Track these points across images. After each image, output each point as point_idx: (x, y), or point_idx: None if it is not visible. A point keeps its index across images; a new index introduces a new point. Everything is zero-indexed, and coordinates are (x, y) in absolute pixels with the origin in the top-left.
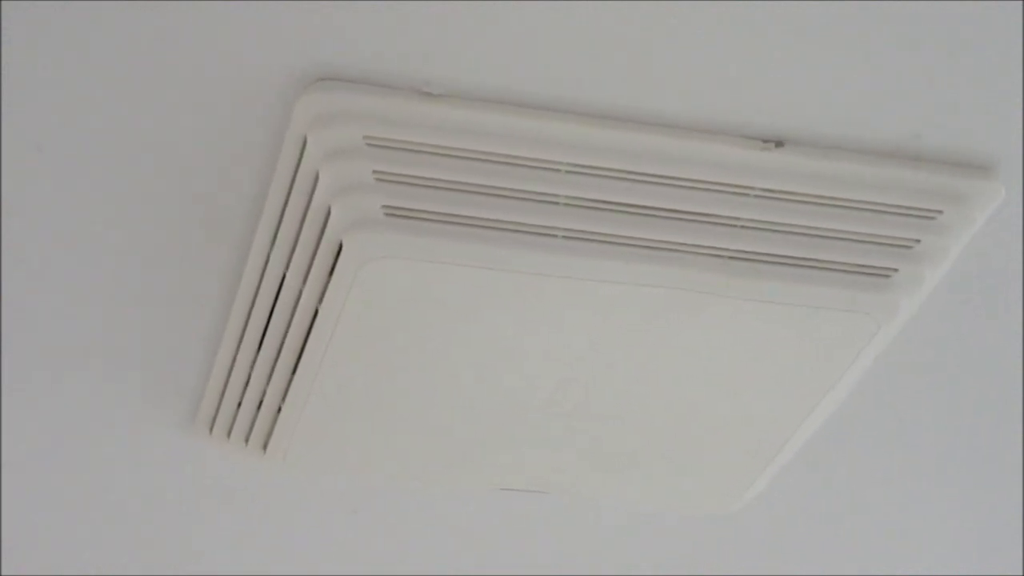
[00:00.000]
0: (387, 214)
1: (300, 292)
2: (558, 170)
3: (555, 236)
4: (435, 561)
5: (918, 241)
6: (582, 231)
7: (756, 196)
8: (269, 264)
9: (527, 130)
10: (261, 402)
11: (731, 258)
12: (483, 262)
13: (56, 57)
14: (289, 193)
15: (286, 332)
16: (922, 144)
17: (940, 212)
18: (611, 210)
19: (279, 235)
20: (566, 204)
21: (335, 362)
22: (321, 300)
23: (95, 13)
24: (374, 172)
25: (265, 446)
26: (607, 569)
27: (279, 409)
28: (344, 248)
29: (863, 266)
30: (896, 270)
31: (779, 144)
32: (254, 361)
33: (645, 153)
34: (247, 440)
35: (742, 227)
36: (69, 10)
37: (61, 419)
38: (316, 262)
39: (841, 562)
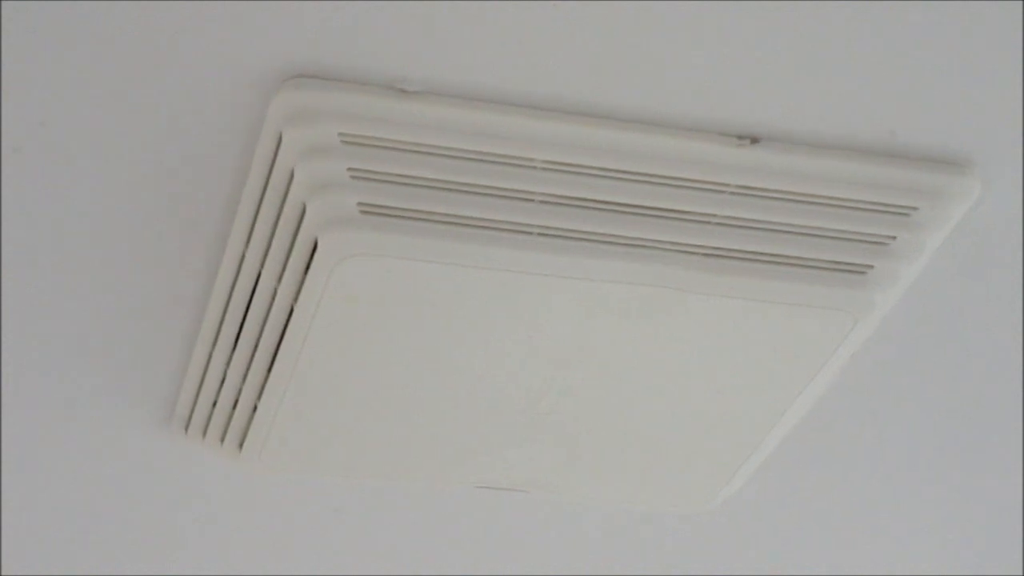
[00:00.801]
0: (362, 212)
1: (275, 290)
2: (533, 167)
3: (530, 233)
4: (414, 560)
5: (894, 238)
6: (557, 228)
7: (732, 193)
8: (244, 262)
9: (502, 127)
10: (237, 401)
11: (706, 255)
12: (459, 259)
13: (29, 56)
14: (264, 190)
15: (261, 330)
16: (898, 140)
17: (916, 209)
18: (586, 207)
19: (254, 233)
20: (541, 201)
21: (311, 360)
22: (296, 298)
23: (68, 12)
24: (349, 169)
25: (241, 445)
26: (588, 568)
27: (255, 408)
28: (319, 246)
29: (839, 262)
30: (872, 266)
31: (755, 141)
32: (229, 360)
33: (620, 150)
34: (223, 439)
35: (718, 224)
36: (40, 9)
37: (35, 418)
38: (291, 260)
39: (818, 560)
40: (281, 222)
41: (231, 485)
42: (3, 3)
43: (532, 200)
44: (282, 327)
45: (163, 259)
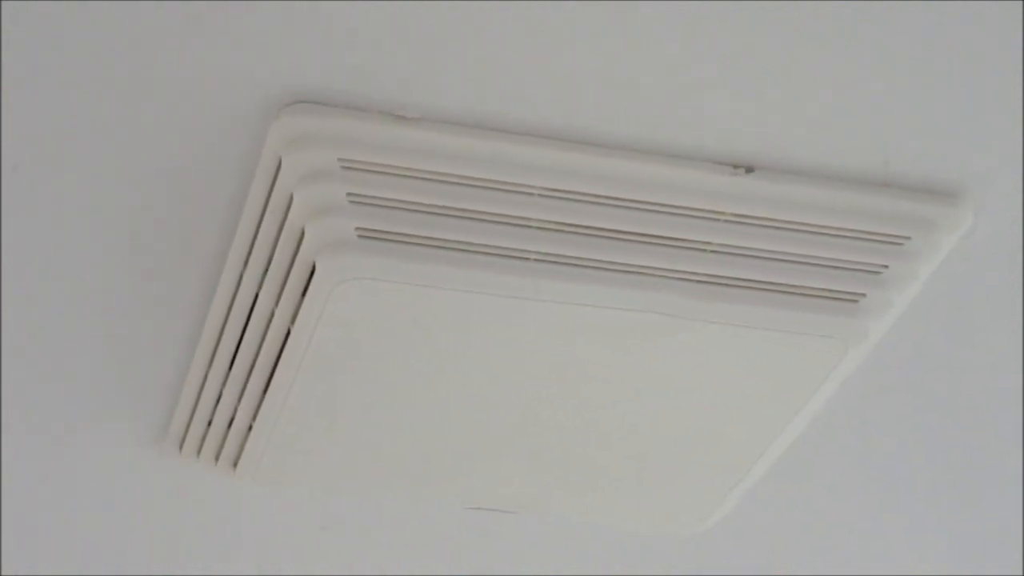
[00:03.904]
0: (360, 236)
1: (272, 312)
2: (531, 194)
3: (528, 259)
4: None
5: (886, 266)
6: (554, 255)
7: (726, 221)
8: (242, 284)
9: (500, 154)
10: (232, 421)
11: (701, 282)
12: (456, 285)
13: (33, 76)
14: (263, 214)
15: (258, 351)
16: (891, 170)
17: (908, 238)
18: (583, 234)
19: (252, 255)
20: (539, 228)
21: (306, 382)
22: (293, 320)
23: (70, 36)
24: (348, 194)
25: (235, 464)
26: None
27: (250, 428)
28: (317, 269)
29: (832, 291)
30: (864, 295)
31: (749, 170)
32: (225, 380)
33: (617, 177)
34: (217, 458)
35: (712, 251)
36: (41, 30)
37: (29, 435)
38: (289, 283)
39: None
40: (279, 245)
41: (224, 503)
42: (4, 19)
43: (529, 226)
44: (279, 348)
45: (161, 280)
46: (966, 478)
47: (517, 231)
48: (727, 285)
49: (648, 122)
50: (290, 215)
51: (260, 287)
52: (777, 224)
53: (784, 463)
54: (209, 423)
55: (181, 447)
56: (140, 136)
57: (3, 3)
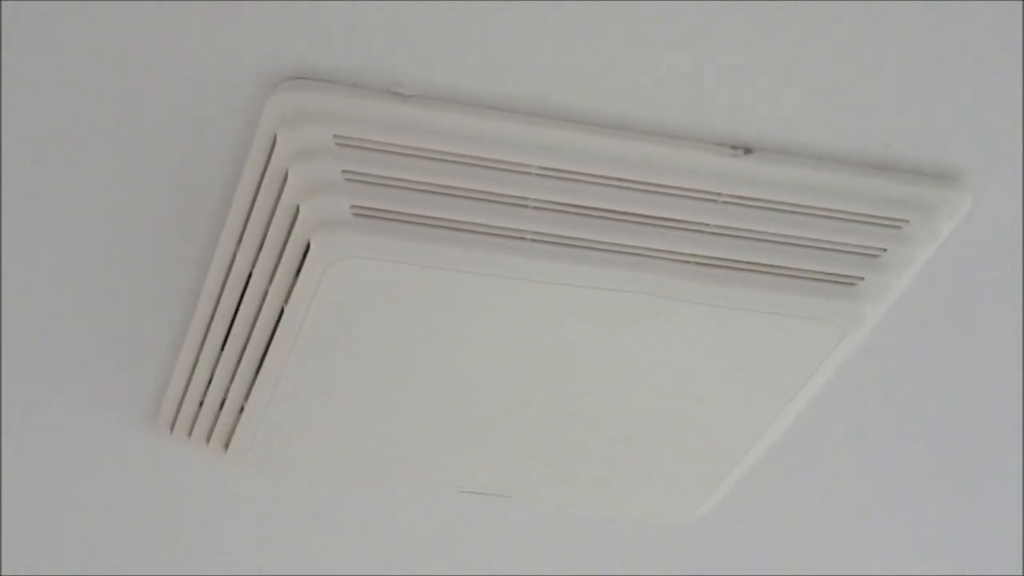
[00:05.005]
0: (356, 214)
1: (266, 291)
2: (528, 173)
3: (524, 239)
4: (397, 561)
5: (884, 250)
6: (551, 234)
7: (724, 203)
8: (235, 262)
9: (497, 132)
10: (223, 401)
11: (698, 264)
12: (451, 264)
13: (23, 54)
14: (257, 191)
15: (251, 331)
16: (890, 153)
17: (907, 221)
18: (580, 214)
19: (246, 233)
20: (536, 207)
21: (299, 362)
22: (287, 299)
23: (64, 13)
24: (343, 172)
25: (226, 446)
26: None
27: (241, 409)
28: (312, 248)
29: (829, 274)
30: (862, 278)
31: (748, 151)
32: (217, 360)
33: (615, 158)
34: (208, 439)
35: (710, 233)
36: (36, 9)
37: (19, 416)
38: (283, 261)
39: (802, 572)
40: (274, 223)
41: (215, 485)
42: (2, 3)
43: (526, 206)
44: (272, 328)
45: (154, 258)
46: (963, 465)
47: (514, 210)
48: (724, 267)
49: (647, 102)
50: (285, 193)
51: (254, 266)
52: (775, 206)
53: (778, 450)
54: (201, 404)
55: (172, 428)
56: (134, 114)
57: None
